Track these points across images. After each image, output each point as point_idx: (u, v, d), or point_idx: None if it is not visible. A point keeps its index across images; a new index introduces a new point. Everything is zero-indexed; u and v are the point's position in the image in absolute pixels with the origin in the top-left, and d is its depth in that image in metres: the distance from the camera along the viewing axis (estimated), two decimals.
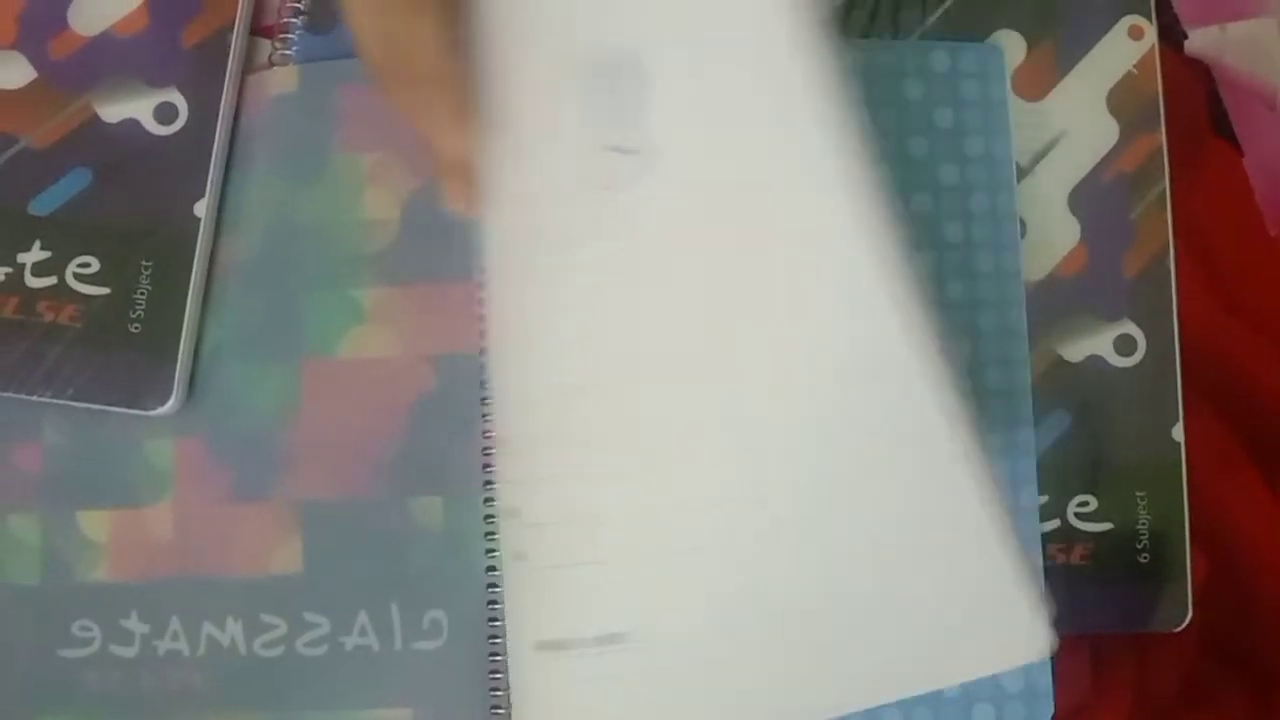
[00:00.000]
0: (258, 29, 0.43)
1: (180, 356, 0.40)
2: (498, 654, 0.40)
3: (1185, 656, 0.43)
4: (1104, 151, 0.44)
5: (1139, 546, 0.42)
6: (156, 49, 0.42)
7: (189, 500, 0.41)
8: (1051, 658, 0.41)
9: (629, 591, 0.31)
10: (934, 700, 0.40)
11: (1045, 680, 0.41)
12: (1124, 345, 0.43)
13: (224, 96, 0.42)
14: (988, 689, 0.41)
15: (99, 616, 0.40)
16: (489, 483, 0.40)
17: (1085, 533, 0.42)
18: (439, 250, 0.41)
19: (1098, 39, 0.44)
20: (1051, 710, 0.41)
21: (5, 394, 0.40)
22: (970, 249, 0.42)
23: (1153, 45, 0.44)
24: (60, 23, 0.42)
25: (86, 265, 0.41)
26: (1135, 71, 0.44)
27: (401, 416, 0.41)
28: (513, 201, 0.32)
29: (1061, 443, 0.43)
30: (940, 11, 0.44)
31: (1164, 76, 0.44)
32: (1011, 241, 0.43)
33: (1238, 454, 0.44)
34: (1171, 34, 0.45)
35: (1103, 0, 0.45)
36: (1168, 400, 0.43)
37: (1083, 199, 0.44)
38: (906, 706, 0.40)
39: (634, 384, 0.31)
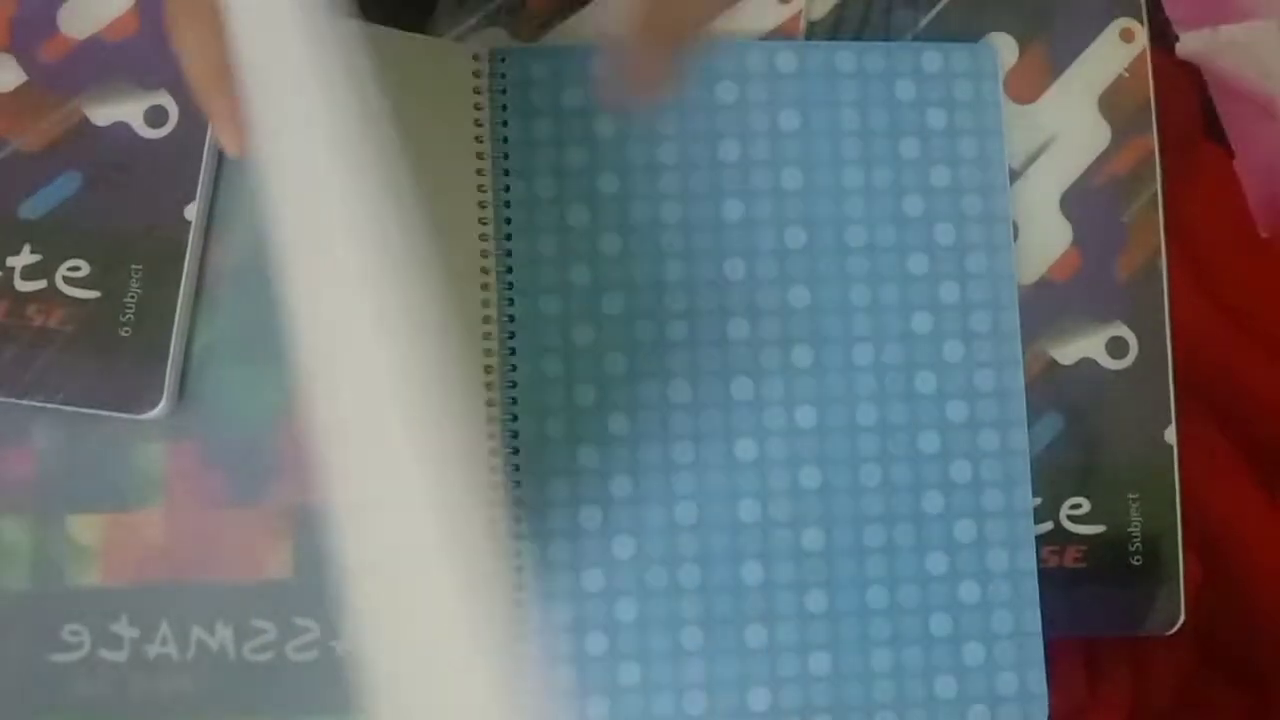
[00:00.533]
0: None
1: (170, 360, 0.40)
2: None
3: (1179, 659, 0.43)
4: (1096, 154, 0.44)
5: (1132, 549, 0.42)
6: (147, 52, 0.42)
7: (180, 504, 0.41)
8: (1046, 659, 0.41)
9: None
10: (929, 702, 0.40)
11: (1040, 682, 0.41)
12: (1116, 348, 0.43)
13: None
14: (983, 691, 0.41)
15: (89, 621, 0.40)
16: None
17: (1078, 535, 0.42)
18: None
19: (1089, 42, 0.44)
20: (1047, 712, 0.41)
21: None
22: (963, 251, 0.42)
23: (1144, 48, 0.44)
24: (51, 26, 0.42)
25: (77, 269, 0.40)
26: (1127, 74, 0.44)
27: None
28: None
29: (1054, 445, 0.43)
30: (932, 14, 0.44)
31: (1155, 79, 0.44)
32: (1004, 244, 0.43)
33: (1230, 456, 0.44)
34: (1163, 36, 0.45)
35: (1094, 3, 0.45)
36: (1160, 403, 0.43)
37: (1075, 202, 0.44)
38: (901, 709, 0.40)
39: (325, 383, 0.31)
